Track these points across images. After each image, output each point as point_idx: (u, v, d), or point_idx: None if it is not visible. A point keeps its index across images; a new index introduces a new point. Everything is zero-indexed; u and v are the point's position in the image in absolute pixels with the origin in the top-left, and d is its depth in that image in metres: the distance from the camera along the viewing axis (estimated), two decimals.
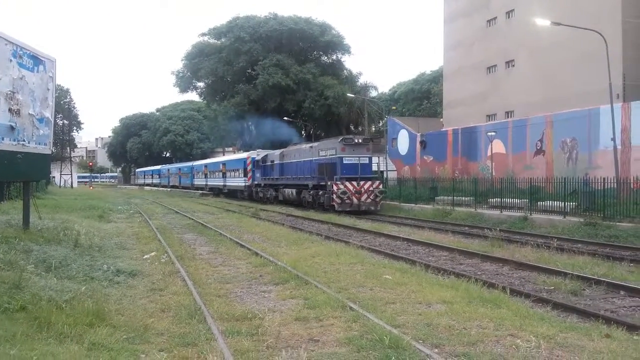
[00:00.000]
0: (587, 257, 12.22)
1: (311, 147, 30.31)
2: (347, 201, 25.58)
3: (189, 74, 61.65)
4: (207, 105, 67.63)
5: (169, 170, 76.18)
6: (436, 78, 65.83)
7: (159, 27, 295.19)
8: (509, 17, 40.39)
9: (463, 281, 9.31)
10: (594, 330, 6.46)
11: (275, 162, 35.30)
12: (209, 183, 55.02)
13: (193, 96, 73.72)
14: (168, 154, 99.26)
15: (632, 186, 19.65)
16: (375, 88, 64.02)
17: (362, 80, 61.14)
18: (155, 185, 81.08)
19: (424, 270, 10.65)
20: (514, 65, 39.90)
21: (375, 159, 26.49)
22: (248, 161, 41.29)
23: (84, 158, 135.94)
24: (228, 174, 47.89)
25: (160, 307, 7.73)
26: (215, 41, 59.87)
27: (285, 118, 49.62)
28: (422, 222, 21.82)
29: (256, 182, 39.55)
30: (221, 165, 50.23)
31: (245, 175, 42.04)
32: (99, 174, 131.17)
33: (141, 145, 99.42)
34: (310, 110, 53.40)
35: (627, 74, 29.83)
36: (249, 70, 56.86)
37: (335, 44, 57.81)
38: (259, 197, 38.83)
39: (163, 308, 7.66)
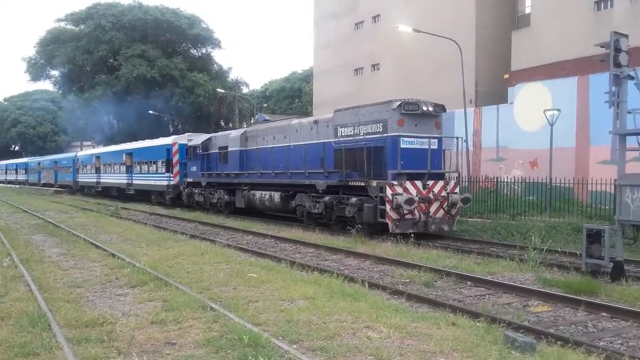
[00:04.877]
0: (441, 250, 13.04)
1: (316, 121, 18.66)
2: (410, 216, 14.95)
3: (42, 61, 57.09)
4: (63, 96, 62.86)
5: (39, 163, 60.76)
6: (307, 77, 67.07)
7: (7, 8, 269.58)
8: (375, 21, 42.09)
9: (326, 277, 9.49)
10: (442, 319, 6.83)
11: (230, 150, 23.48)
12: (102, 180, 41.03)
13: (47, 85, 68.26)
14: (17, 148, 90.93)
15: (481, 184, 21.47)
16: (247, 84, 63.98)
17: (233, 76, 60.96)
18: (21, 183, 66.80)
19: (290, 267, 10.71)
20: (379, 68, 41.67)
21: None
22: (174, 149, 29.63)
23: None
24: (136, 168, 34.66)
25: None
26: (73, 27, 56.01)
27: (150, 112, 47.63)
28: (292, 220, 21.68)
29: (190, 180, 27.22)
30: (124, 155, 36.60)
31: (168, 169, 29.90)
32: None
33: None
34: (179, 107, 51.85)
35: (480, 80, 32.31)
36: (111, 60, 53.88)
37: (205, 38, 56.74)
38: (195, 202, 26.67)
39: (2, 316, 6.92)
